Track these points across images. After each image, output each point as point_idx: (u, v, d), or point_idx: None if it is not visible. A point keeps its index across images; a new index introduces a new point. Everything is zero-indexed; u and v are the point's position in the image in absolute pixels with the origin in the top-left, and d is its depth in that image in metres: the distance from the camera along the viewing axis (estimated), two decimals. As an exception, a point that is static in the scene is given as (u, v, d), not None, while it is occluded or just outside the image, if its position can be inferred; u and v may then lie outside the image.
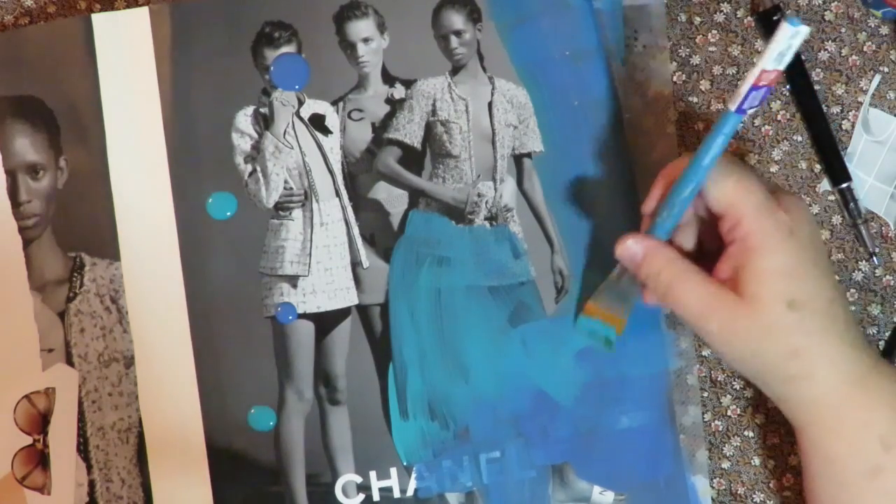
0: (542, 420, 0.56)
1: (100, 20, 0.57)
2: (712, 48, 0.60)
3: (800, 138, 0.59)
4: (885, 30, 0.59)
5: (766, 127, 0.59)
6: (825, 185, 0.59)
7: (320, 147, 0.58)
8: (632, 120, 0.58)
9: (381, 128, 0.58)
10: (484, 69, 0.58)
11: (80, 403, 0.57)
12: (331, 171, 0.58)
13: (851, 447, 0.48)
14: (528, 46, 0.57)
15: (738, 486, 0.59)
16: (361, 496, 0.57)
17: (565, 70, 0.57)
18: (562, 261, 0.57)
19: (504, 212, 0.57)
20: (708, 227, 0.51)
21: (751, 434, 0.59)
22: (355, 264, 0.57)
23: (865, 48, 0.59)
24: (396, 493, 0.57)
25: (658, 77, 0.58)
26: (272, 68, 0.57)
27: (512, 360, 0.57)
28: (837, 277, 0.59)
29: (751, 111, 0.46)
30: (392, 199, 0.58)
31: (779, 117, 0.59)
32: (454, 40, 0.57)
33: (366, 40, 0.57)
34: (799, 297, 0.47)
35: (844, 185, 0.58)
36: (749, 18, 0.60)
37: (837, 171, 0.58)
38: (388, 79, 0.58)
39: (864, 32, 0.59)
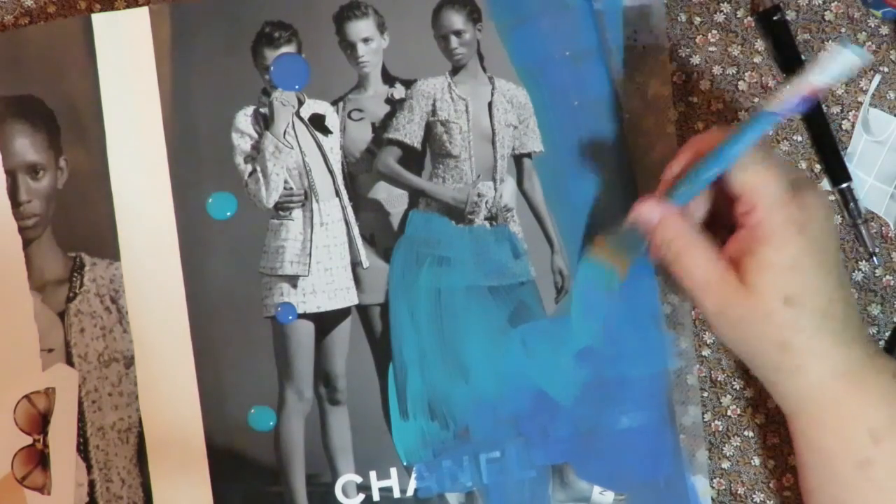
0: (542, 420, 0.56)
1: (100, 20, 0.57)
2: (712, 48, 0.60)
3: (800, 138, 0.59)
4: (885, 30, 0.59)
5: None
6: (825, 185, 0.59)
7: (320, 147, 0.58)
8: (632, 120, 0.58)
9: (381, 128, 0.58)
10: (484, 69, 0.58)
11: (80, 403, 0.57)
12: (331, 171, 0.58)
13: (840, 439, 0.49)
14: (528, 46, 0.57)
15: (738, 486, 0.59)
16: (361, 496, 0.57)
17: (565, 70, 0.57)
18: (562, 261, 0.57)
19: (504, 212, 0.57)
20: (724, 199, 0.51)
21: (751, 434, 0.59)
22: (355, 264, 0.57)
23: (865, 48, 0.59)
24: (396, 493, 0.57)
25: (658, 77, 0.58)
26: (272, 68, 0.57)
27: (512, 360, 0.57)
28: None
29: (786, 115, 0.47)
30: (392, 199, 0.58)
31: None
32: (454, 40, 0.57)
33: (366, 40, 0.57)
34: (796, 293, 0.47)
35: (844, 185, 0.58)
36: (749, 18, 0.60)
37: (837, 171, 0.58)
38: (388, 79, 0.58)
39: (864, 32, 0.59)
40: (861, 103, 0.59)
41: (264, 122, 0.57)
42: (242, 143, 0.57)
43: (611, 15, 0.57)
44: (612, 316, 0.56)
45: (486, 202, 0.57)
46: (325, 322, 0.57)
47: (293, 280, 0.57)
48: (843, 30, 0.59)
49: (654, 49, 0.59)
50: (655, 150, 0.58)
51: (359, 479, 0.57)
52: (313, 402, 0.57)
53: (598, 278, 0.55)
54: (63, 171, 0.57)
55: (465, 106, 0.58)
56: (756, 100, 0.59)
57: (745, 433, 0.59)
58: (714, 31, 0.60)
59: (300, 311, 0.57)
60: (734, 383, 0.59)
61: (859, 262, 0.59)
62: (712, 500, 0.59)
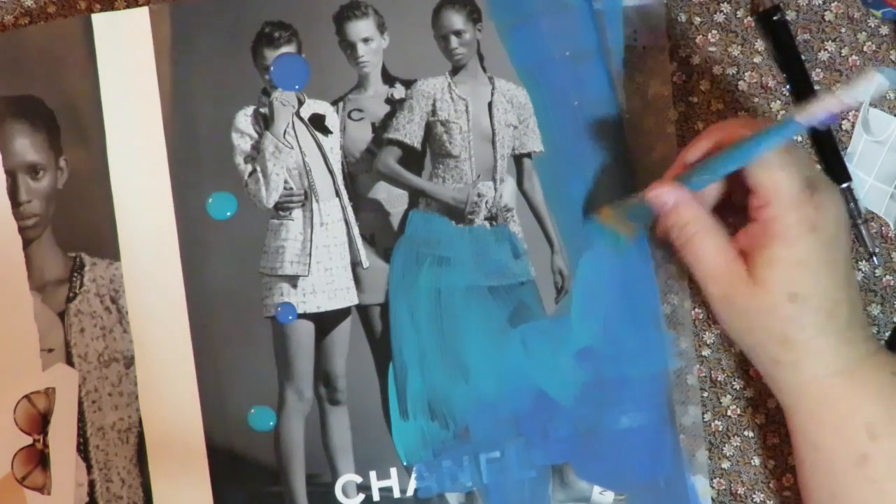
0: (542, 420, 0.56)
1: (100, 20, 0.57)
2: (712, 48, 0.60)
3: (800, 138, 0.59)
4: (885, 30, 0.59)
5: (766, 127, 0.59)
6: (825, 185, 0.59)
7: (320, 147, 0.58)
8: (632, 120, 0.58)
9: (381, 128, 0.58)
10: (484, 69, 0.58)
11: (80, 403, 0.57)
12: (331, 171, 0.58)
13: (837, 435, 0.49)
14: (528, 46, 0.57)
15: (738, 486, 0.59)
16: (361, 496, 0.57)
17: (565, 70, 0.57)
18: (562, 261, 0.57)
19: (504, 212, 0.57)
20: (736, 186, 0.51)
21: (751, 434, 0.59)
22: (355, 264, 0.57)
23: (865, 48, 0.59)
24: (396, 493, 0.57)
25: (658, 77, 0.58)
26: (272, 68, 0.57)
27: (512, 360, 0.57)
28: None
29: (812, 125, 0.47)
30: (392, 199, 0.58)
31: (779, 117, 0.59)
32: (454, 40, 0.57)
33: (366, 40, 0.57)
34: (802, 290, 0.47)
35: (844, 185, 0.58)
36: (749, 18, 0.60)
37: (837, 171, 0.58)
38: (388, 79, 0.58)
39: (864, 32, 0.59)
40: (861, 103, 0.59)
41: (264, 122, 0.57)
42: (242, 143, 0.57)
43: (611, 15, 0.57)
44: (612, 316, 0.56)
45: (486, 202, 0.57)
46: (325, 322, 0.57)
47: (293, 280, 0.57)
48: (843, 30, 0.59)
49: (654, 49, 0.59)
50: (655, 150, 0.58)
51: (359, 479, 0.57)
52: (313, 402, 0.57)
53: (604, 239, 0.56)
54: (63, 171, 0.57)
55: (465, 106, 0.58)
56: (756, 99, 0.59)
57: (745, 433, 0.59)
58: (714, 31, 0.60)
59: (300, 311, 0.57)
60: (734, 383, 0.59)
61: (859, 262, 0.59)
62: (712, 500, 0.59)
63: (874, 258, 0.58)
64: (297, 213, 0.58)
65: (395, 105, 0.58)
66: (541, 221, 0.57)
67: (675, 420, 0.57)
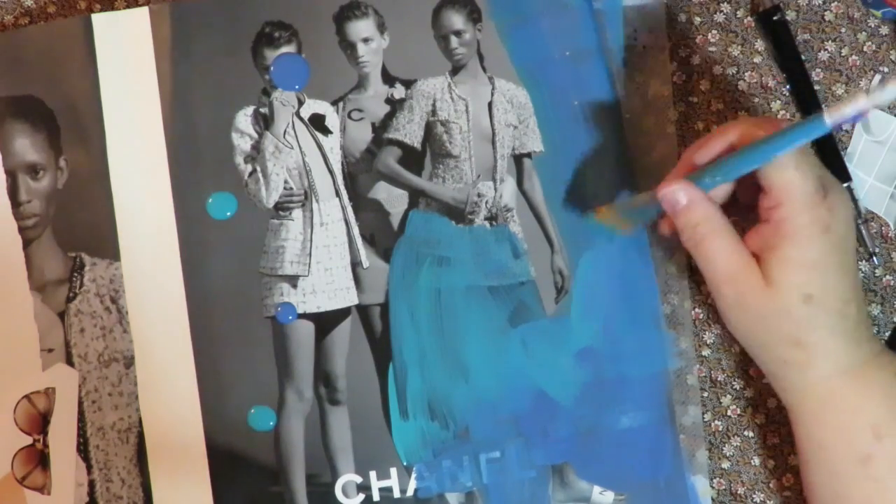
0: (542, 420, 0.56)
1: (100, 20, 0.57)
2: (712, 48, 0.60)
3: (800, 138, 0.59)
4: (885, 30, 0.59)
5: (766, 127, 0.59)
6: (825, 185, 0.59)
7: (320, 147, 0.58)
8: (632, 120, 0.58)
9: (381, 128, 0.58)
10: (484, 69, 0.58)
11: (80, 403, 0.57)
12: (331, 171, 0.58)
13: (842, 435, 0.49)
14: (528, 46, 0.57)
15: (738, 486, 0.59)
16: (361, 496, 0.57)
17: (565, 70, 0.57)
18: (562, 261, 0.57)
19: (504, 212, 0.57)
20: (749, 185, 0.51)
21: (751, 434, 0.59)
22: (355, 264, 0.57)
23: (865, 48, 0.59)
24: (396, 493, 0.57)
25: (658, 77, 0.58)
26: (272, 68, 0.57)
27: (512, 360, 0.57)
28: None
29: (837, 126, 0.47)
30: (392, 199, 0.58)
31: (779, 117, 0.59)
32: (454, 40, 0.57)
33: (366, 40, 0.57)
34: (816, 292, 0.47)
35: (844, 185, 0.58)
36: (749, 18, 0.60)
37: (837, 171, 0.58)
38: (388, 79, 0.58)
39: (864, 32, 0.59)
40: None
41: (264, 122, 0.57)
42: (242, 143, 0.57)
43: (611, 15, 0.57)
44: (612, 316, 0.56)
45: (486, 202, 0.57)
46: (325, 322, 0.57)
47: (293, 280, 0.57)
48: (843, 30, 0.59)
49: (654, 49, 0.59)
50: (655, 150, 0.58)
51: (359, 479, 0.57)
52: (313, 402, 0.57)
53: (601, 231, 0.56)
54: (63, 171, 0.58)
55: (465, 106, 0.58)
56: (756, 99, 0.59)
57: (745, 433, 0.59)
58: (714, 31, 0.60)
59: (300, 311, 0.57)
60: (734, 383, 0.59)
61: (859, 262, 0.59)
62: (712, 500, 0.58)
63: (874, 258, 0.58)
64: (297, 213, 0.58)
65: (395, 105, 0.58)
66: (541, 221, 0.57)
67: (675, 420, 0.57)
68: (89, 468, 0.57)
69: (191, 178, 0.57)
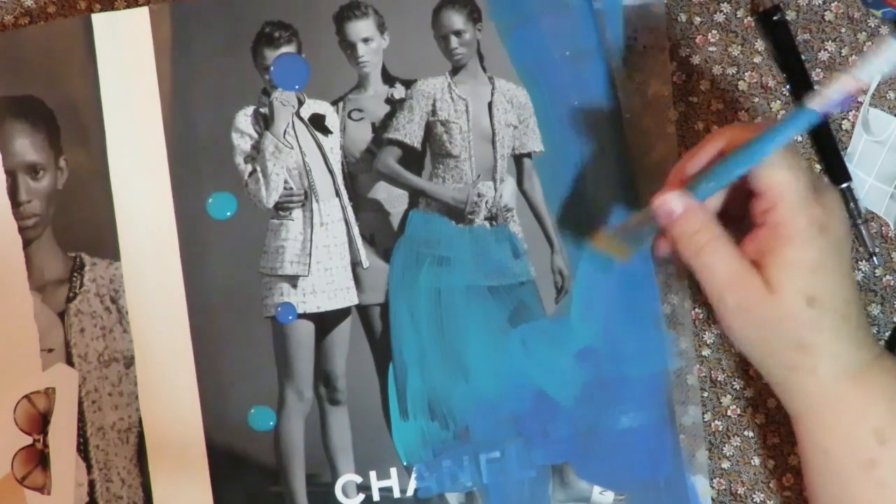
0: (542, 420, 0.56)
1: (100, 20, 0.57)
2: (712, 48, 0.60)
3: (800, 138, 0.59)
4: (885, 30, 0.59)
5: (766, 127, 0.59)
6: (825, 185, 0.59)
7: (320, 147, 0.58)
8: (632, 120, 0.58)
9: (381, 128, 0.58)
10: (484, 69, 0.58)
11: (80, 403, 0.57)
12: (331, 171, 0.58)
13: (846, 440, 0.49)
14: (528, 46, 0.57)
15: (738, 486, 0.59)
16: (361, 496, 0.57)
17: (565, 70, 0.57)
18: (562, 261, 0.57)
19: (504, 212, 0.57)
20: (738, 194, 0.50)
21: (751, 434, 0.59)
22: (355, 264, 0.57)
23: (865, 48, 0.59)
24: (396, 493, 0.57)
25: (658, 77, 0.58)
26: (272, 68, 0.57)
27: (512, 360, 0.57)
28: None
29: (828, 112, 0.46)
30: (392, 199, 0.58)
31: (779, 117, 0.59)
32: (454, 40, 0.57)
33: (366, 40, 0.57)
34: (819, 294, 0.47)
35: (844, 185, 0.58)
36: (749, 18, 0.60)
37: (837, 171, 0.58)
38: (388, 79, 0.58)
39: (864, 32, 0.59)
40: (861, 103, 0.59)
41: (264, 122, 0.57)
42: (242, 143, 0.57)
43: (611, 15, 0.57)
44: (612, 316, 0.56)
45: (486, 202, 0.57)
46: (325, 322, 0.57)
47: (293, 280, 0.57)
48: (843, 30, 0.59)
49: (654, 49, 0.59)
50: (655, 150, 0.58)
51: (359, 479, 0.57)
52: (313, 402, 0.57)
53: (598, 262, 0.55)
54: (63, 171, 0.57)
55: (465, 106, 0.58)
56: (756, 99, 0.59)
57: (745, 433, 0.59)
58: (714, 31, 0.60)
59: (300, 311, 0.57)
60: (734, 383, 0.59)
61: (859, 262, 0.59)
62: (712, 500, 0.58)
63: (874, 258, 0.58)
64: (297, 213, 0.58)
65: (395, 105, 0.58)
66: (541, 221, 0.57)
67: (675, 420, 0.57)
68: (89, 468, 0.57)
69: (191, 178, 0.57)
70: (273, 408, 0.57)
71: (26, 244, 0.57)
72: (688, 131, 0.59)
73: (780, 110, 0.59)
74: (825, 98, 0.45)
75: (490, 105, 0.58)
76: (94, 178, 0.57)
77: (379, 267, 0.57)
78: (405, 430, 0.57)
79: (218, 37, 0.57)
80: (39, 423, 0.57)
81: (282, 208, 0.57)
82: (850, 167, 0.59)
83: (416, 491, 0.57)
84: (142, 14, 0.57)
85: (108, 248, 0.57)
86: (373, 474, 0.57)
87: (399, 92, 0.58)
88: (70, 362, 0.57)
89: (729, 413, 0.59)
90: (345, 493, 0.57)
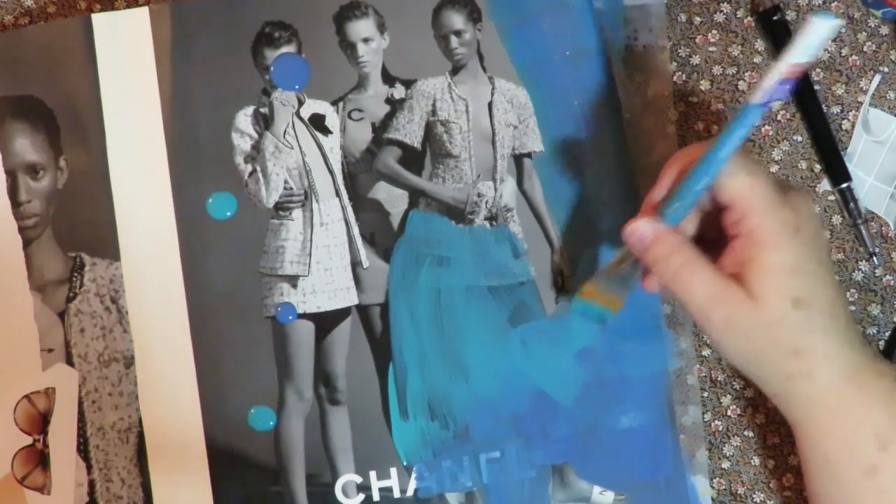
0: (542, 420, 0.56)
1: (100, 20, 0.57)
2: (712, 48, 0.60)
3: (800, 138, 0.59)
4: (885, 30, 0.59)
5: (766, 127, 0.59)
6: (825, 185, 0.59)
7: (320, 147, 0.58)
8: (632, 120, 0.58)
9: (381, 128, 0.58)
10: (484, 69, 0.58)
11: (80, 403, 0.57)
12: (331, 171, 0.58)
13: (847, 446, 0.48)
14: (528, 46, 0.57)
15: (738, 486, 0.59)
16: (361, 496, 0.57)
17: (565, 70, 0.57)
18: (562, 261, 0.57)
19: (504, 212, 0.57)
20: (709, 217, 0.50)
21: (751, 434, 0.59)
22: (355, 264, 0.57)
23: (865, 48, 0.59)
24: (396, 493, 0.57)
25: (658, 77, 0.58)
26: (272, 68, 0.57)
27: (512, 360, 0.57)
28: (837, 277, 0.59)
29: (774, 103, 0.46)
30: (392, 199, 0.58)
31: (779, 117, 0.60)
32: (454, 40, 0.57)
33: (366, 40, 0.57)
34: (804, 295, 0.47)
35: (844, 185, 0.58)
36: (749, 18, 0.60)
37: (837, 171, 0.58)
38: (388, 79, 0.58)
39: (864, 32, 0.59)
40: (861, 103, 0.59)
41: (264, 122, 0.57)
42: (242, 143, 0.57)
43: (611, 14, 0.57)
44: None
45: (486, 202, 0.57)
46: (325, 322, 0.57)
47: (293, 280, 0.57)
48: (843, 30, 0.59)
49: (654, 49, 0.59)
50: (655, 150, 0.58)
51: (359, 479, 0.57)
52: (313, 402, 0.57)
53: (587, 319, 0.52)
54: (63, 171, 0.57)
55: (465, 106, 0.58)
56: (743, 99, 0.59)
57: (745, 433, 0.59)
58: (714, 31, 0.60)
59: (300, 311, 0.57)
60: (734, 383, 0.59)
61: (859, 262, 0.59)
62: (712, 500, 0.59)
63: (874, 258, 0.58)
64: (297, 213, 0.58)
65: (395, 105, 0.58)
66: (541, 221, 0.57)
67: (675, 420, 0.57)
68: (89, 468, 0.57)
69: (191, 178, 0.57)
70: (273, 408, 0.57)
71: (26, 244, 0.57)
72: (688, 131, 0.59)
73: (779, 110, 0.59)
74: (764, 90, 0.45)
75: (490, 105, 0.58)
76: (94, 178, 0.57)
77: (379, 267, 0.57)
78: (405, 430, 0.57)
79: (218, 37, 0.57)
80: (39, 423, 0.57)
81: (282, 208, 0.57)
82: (850, 167, 0.59)
83: (416, 491, 0.57)
84: (142, 14, 0.57)
85: (108, 248, 0.57)
86: (373, 474, 0.57)
87: (399, 92, 0.58)
88: (70, 362, 0.57)
89: (729, 413, 0.59)
90: (345, 493, 0.57)
